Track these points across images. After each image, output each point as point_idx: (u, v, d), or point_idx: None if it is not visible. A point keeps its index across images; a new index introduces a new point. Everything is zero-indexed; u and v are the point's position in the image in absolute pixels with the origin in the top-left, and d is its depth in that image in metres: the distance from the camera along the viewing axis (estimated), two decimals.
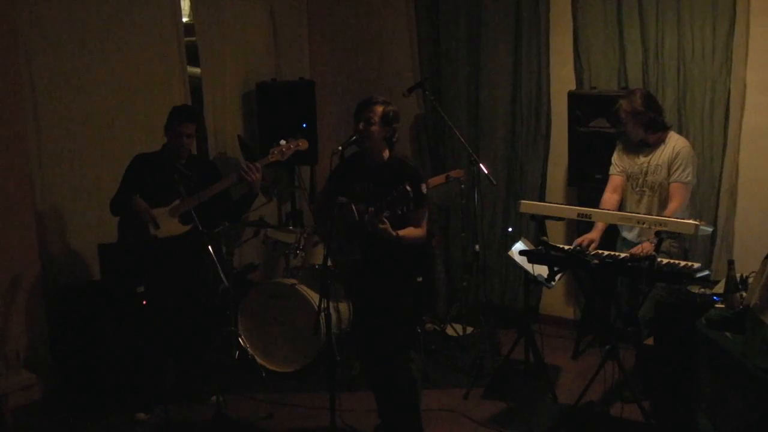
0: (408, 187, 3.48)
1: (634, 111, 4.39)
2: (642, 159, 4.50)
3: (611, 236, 4.67)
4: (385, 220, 3.60)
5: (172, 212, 4.52)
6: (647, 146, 4.49)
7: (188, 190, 4.43)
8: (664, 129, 4.49)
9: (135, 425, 4.59)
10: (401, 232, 3.70)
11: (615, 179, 4.62)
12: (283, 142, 4.65)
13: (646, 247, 4.16)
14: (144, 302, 4.72)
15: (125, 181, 4.60)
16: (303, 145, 4.69)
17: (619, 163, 4.62)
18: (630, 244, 4.50)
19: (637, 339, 4.47)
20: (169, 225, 4.52)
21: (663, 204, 4.42)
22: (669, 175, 4.40)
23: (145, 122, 5.40)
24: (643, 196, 4.51)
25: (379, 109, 3.79)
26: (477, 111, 5.97)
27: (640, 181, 4.50)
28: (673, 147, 4.42)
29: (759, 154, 4.92)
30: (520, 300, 5.51)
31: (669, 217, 4.16)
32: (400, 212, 3.54)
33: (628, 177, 4.57)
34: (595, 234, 4.44)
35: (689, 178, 4.39)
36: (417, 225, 3.80)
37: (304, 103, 6.04)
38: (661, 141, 4.46)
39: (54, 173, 5.07)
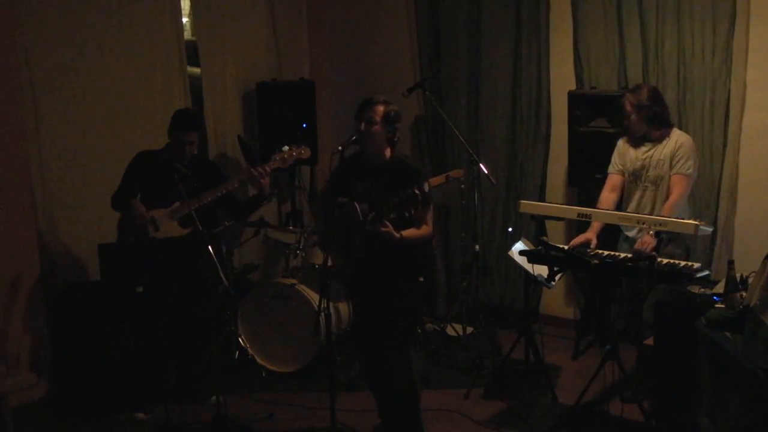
0: (416, 190, 3.47)
1: (640, 104, 4.41)
2: (644, 154, 4.51)
3: (612, 235, 4.67)
4: (388, 224, 3.59)
5: (172, 214, 4.52)
6: (649, 142, 4.50)
7: (188, 191, 4.42)
8: (669, 126, 4.50)
9: (135, 425, 4.59)
10: (404, 233, 3.70)
11: (614, 178, 4.63)
12: (285, 148, 4.60)
13: (647, 240, 4.17)
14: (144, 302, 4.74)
15: (126, 177, 4.61)
16: (305, 153, 4.63)
17: (619, 161, 4.62)
18: (632, 242, 4.50)
19: (637, 339, 4.48)
20: (168, 227, 4.52)
21: (665, 198, 4.43)
22: (671, 168, 4.41)
23: (145, 122, 5.40)
24: (645, 191, 4.52)
25: (381, 108, 3.79)
26: (477, 111, 5.97)
27: (642, 176, 4.51)
28: (676, 140, 4.45)
29: (759, 154, 4.92)
30: (520, 300, 5.51)
31: (669, 211, 4.19)
32: (407, 215, 3.53)
33: (630, 174, 4.57)
34: (590, 234, 4.44)
35: (690, 171, 4.41)
36: (420, 224, 3.80)
37: (304, 103, 6.03)
38: (664, 137, 4.48)
39: (54, 173, 5.07)
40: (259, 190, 4.54)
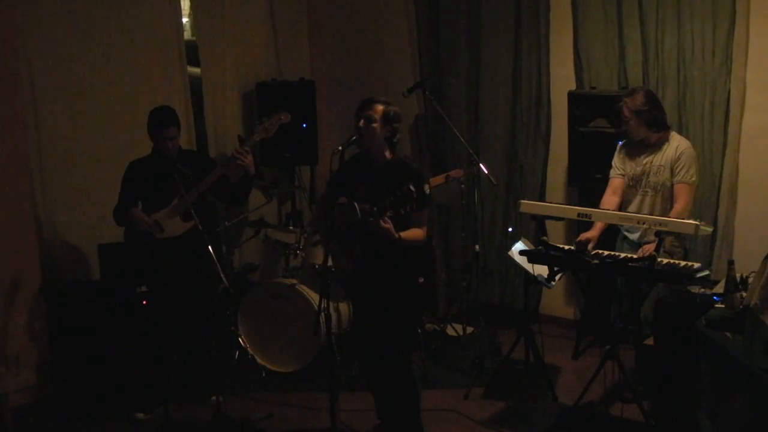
0: (411, 187, 3.48)
1: (638, 109, 4.39)
2: (644, 160, 4.49)
3: (611, 236, 4.67)
4: (388, 220, 3.60)
5: (173, 212, 4.52)
6: (648, 147, 4.49)
7: (187, 188, 4.43)
8: (666, 128, 4.50)
9: (135, 425, 4.59)
10: (403, 234, 3.70)
11: (615, 181, 4.62)
12: (265, 118, 4.65)
13: (649, 249, 4.17)
14: (144, 302, 4.74)
15: (123, 189, 4.62)
16: (285, 118, 4.67)
17: (620, 165, 4.61)
18: (632, 244, 4.50)
19: (637, 339, 4.47)
20: (172, 225, 4.53)
21: (665, 204, 4.42)
22: (672, 175, 4.40)
23: (145, 122, 5.37)
24: (645, 196, 4.50)
25: (380, 107, 3.81)
26: (477, 111, 5.97)
27: (643, 182, 4.50)
28: (676, 147, 4.42)
29: (759, 154, 4.92)
30: (520, 300, 5.51)
31: (671, 217, 4.17)
32: (402, 212, 3.54)
33: (630, 179, 4.56)
34: (594, 233, 4.45)
35: (693, 179, 4.40)
36: (419, 226, 3.80)
37: (304, 103, 6.03)
38: (663, 141, 4.46)
39: (54, 173, 5.07)
40: (245, 169, 4.56)
